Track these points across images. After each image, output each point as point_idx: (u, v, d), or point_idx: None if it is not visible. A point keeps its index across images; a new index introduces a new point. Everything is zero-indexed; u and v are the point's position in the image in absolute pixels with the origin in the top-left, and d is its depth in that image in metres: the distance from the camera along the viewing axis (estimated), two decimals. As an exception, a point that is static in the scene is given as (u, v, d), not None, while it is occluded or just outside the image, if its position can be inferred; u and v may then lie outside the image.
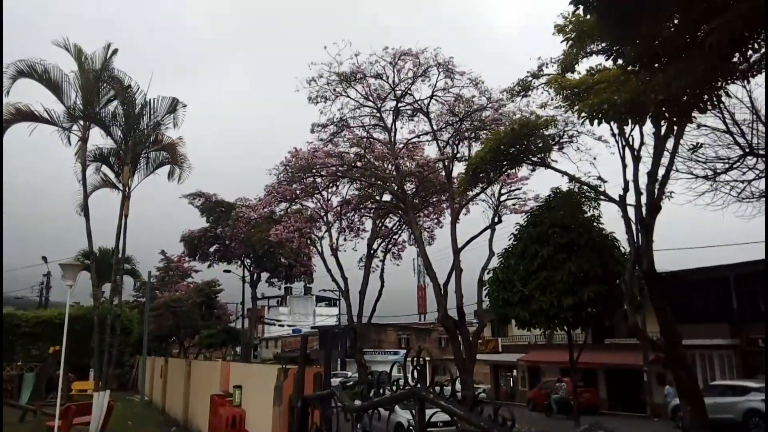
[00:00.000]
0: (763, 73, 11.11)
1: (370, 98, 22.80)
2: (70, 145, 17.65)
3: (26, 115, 17.18)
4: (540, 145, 18.34)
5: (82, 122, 17.47)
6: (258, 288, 43.98)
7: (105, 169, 19.40)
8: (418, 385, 3.79)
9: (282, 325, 69.05)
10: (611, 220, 20.07)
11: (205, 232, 40.24)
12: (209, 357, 55.24)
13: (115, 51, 17.76)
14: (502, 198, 25.01)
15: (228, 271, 42.56)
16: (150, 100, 17.93)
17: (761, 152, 13.50)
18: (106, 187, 19.09)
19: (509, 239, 22.03)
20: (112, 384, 16.92)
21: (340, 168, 25.04)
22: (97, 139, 18.44)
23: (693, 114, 11.73)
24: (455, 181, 23.36)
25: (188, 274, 47.52)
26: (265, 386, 10.59)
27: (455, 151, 23.82)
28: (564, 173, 18.86)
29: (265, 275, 42.90)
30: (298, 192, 26.65)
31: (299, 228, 26.82)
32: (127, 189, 17.37)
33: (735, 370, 26.24)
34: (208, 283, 45.89)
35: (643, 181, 15.25)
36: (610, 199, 17.75)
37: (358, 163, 25.17)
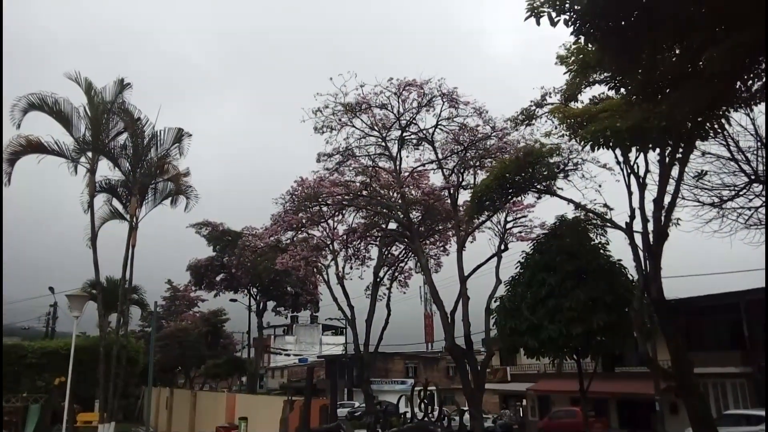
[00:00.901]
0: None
1: (376, 128, 23.00)
2: (76, 175, 17.90)
3: (36, 146, 17.48)
4: (545, 173, 18.38)
5: (91, 154, 17.74)
6: (264, 317, 43.86)
7: (113, 199, 19.64)
8: (426, 419, 3.75)
9: (288, 355, 68.56)
10: (618, 248, 19.97)
11: (211, 261, 40.32)
12: (215, 387, 54.82)
13: (128, 85, 18.16)
14: (508, 226, 24.93)
15: (234, 300, 42.49)
16: (158, 131, 18.27)
17: (764, 179, 13.48)
18: (114, 219, 19.29)
19: (516, 267, 21.92)
20: (117, 415, 16.80)
21: (345, 197, 25.12)
22: (105, 170, 18.71)
23: (696, 141, 11.78)
24: (461, 209, 23.38)
25: (194, 304, 47.50)
26: (271, 418, 10.49)
27: (460, 179, 23.89)
28: (569, 201, 18.85)
29: (271, 304, 42.81)
30: (304, 221, 26.70)
31: (305, 256, 26.80)
32: (134, 220, 17.54)
33: (748, 398, 25.75)
34: (215, 313, 45.82)
35: (649, 208, 15.23)
36: (617, 227, 17.70)
37: (364, 192, 25.25)
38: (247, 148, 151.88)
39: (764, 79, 9.93)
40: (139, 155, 18.54)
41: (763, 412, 21.88)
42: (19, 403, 22.21)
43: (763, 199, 13.84)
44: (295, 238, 28.02)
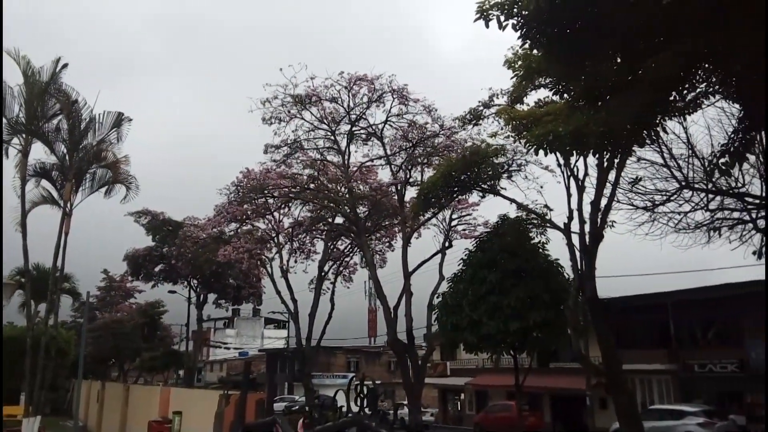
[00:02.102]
0: (700, 111, 11.80)
1: (325, 121, 22.88)
2: (7, 158, 16.99)
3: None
4: (490, 172, 18.77)
5: (24, 136, 16.87)
6: (204, 309, 42.91)
7: (46, 184, 18.74)
8: (361, 413, 3.76)
9: (228, 348, 67.40)
10: (557, 247, 20.67)
11: (150, 251, 39.11)
12: (150, 381, 53.31)
13: (65, 66, 17.34)
14: (453, 223, 25.38)
15: (173, 292, 41.39)
16: (96, 115, 17.54)
17: (698, 186, 14.20)
18: (46, 204, 18.41)
19: (459, 264, 22.35)
20: (44, 409, 16.09)
21: (292, 189, 24.89)
22: (40, 153, 17.83)
23: (633, 148, 12.29)
24: (407, 205, 23.58)
25: (131, 295, 46.01)
26: (206, 412, 10.29)
27: (408, 176, 24.09)
28: (512, 201, 19.33)
29: (212, 296, 41.94)
30: (249, 212, 26.28)
31: (249, 249, 26.39)
32: (68, 206, 16.80)
33: (672, 394, 27.13)
34: (152, 304, 44.52)
35: (586, 210, 15.83)
36: (556, 227, 18.29)
37: (311, 185, 25.09)
38: (191, 134, 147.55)
39: (699, 90, 10.46)
40: (76, 139, 17.75)
41: (684, 408, 23.15)
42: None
43: (692, 204, 14.60)
44: (239, 230, 27.55)
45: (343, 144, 23.68)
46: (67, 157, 17.83)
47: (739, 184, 13.75)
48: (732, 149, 10.98)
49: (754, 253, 13.77)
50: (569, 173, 16.83)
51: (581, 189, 16.47)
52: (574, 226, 16.54)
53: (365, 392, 3.65)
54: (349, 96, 21.97)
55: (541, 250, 20.94)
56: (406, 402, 24.37)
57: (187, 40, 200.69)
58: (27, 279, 16.92)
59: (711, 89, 10.23)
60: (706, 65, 9.40)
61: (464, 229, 25.64)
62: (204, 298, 41.66)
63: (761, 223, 13.74)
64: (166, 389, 17.80)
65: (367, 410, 3.63)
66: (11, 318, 34.67)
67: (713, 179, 13.57)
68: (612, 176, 14.81)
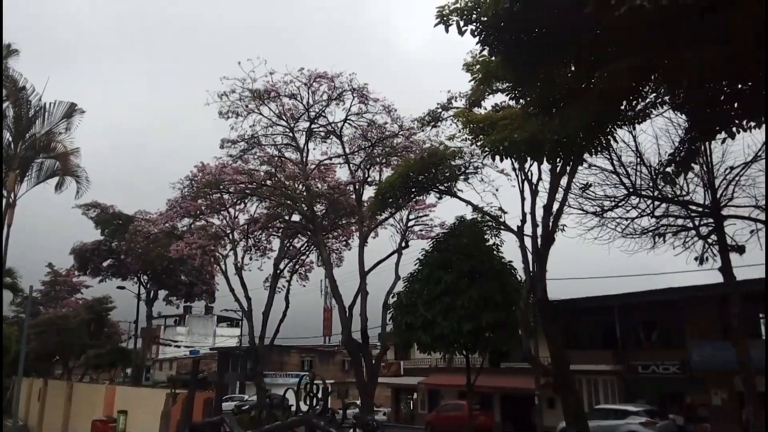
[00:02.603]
0: (648, 120, 12.22)
1: (284, 117, 22.65)
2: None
3: None
4: (447, 174, 18.97)
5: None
6: (154, 306, 41.86)
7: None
8: (310, 412, 3.75)
9: (179, 346, 65.92)
10: (510, 250, 21.07)
11: (98, 245, 37.89)
12: (96, 379, 51.67)
13: (14, 51, 16.62)
14: (410, 223, 25.54)
15: (122, 288, 40.19)
16: (46, 104, 16.86)
17: (645, 192, 14.73)
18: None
19: (415, 264, 22.50)
20: (-21, 408, 15.40)
21: (249, 186, 24.56)
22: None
23: (584, 154, 12.63)
24: (365, 204, 23.59)
25: (77, 290, 44.48)
26: (152, 411, 10.04)
27: (366, 176, 24.10)
28: (468, 203, 19.60)
29: (162, 293, 40.95)
30: (203, 208, 25.79)
31: (202, 245, 25.90)
32: (12, 196, 16.11)
33: (617, 394, 27.99)
34: (100, 300, 43.14)
35: (539, 214, 16.21)
36: (509, 230, 18.65)
37: (268, 182, 24.80)
38: (142, 125, 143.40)
39: (648, 100, 10.83)
40: (22, 128, 17.02)
41: (628, 407, 23.93)
42: None
43: (639, 210, 15.13)
44: (192, 226, 27.00)
45: (302, 141, 23.53)
46: (12, 146, 17.09)
47: (684, 193, 14.35)
48: (678, 158, 11.42)
49: (696, 258, 14.42)
50: (524, 177, 17.22)
51: (535, 193, 16.87)
52: (527, 229, 16.95)
53: (315, 391, 3.62)
54: (308, 93, 21.84)
55: (495, 252, 21.28)
56: (357, 402, 24.37)
57: (138, 28, 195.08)
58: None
59: (660, 100, 10.60)
60: (656, 77, 9.73)
61: (421, 230, 25.84)
62: (154, 294, 40.64)
63: (704, 230, 14.37)
64: (112, 388, 17.28)
65: (316, 409, 3.61)
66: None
67: (659, 187, 14.10)
68: (564, 181, 15.23)
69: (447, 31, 8.67)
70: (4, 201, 16.42)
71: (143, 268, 36.43)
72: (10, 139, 17.26)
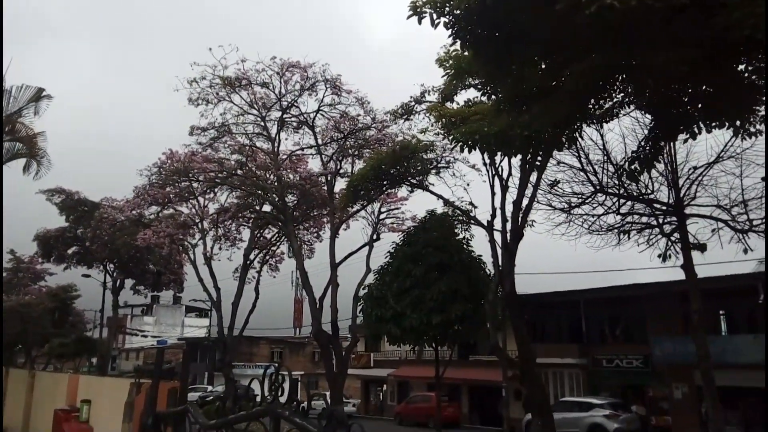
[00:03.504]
0: (616, 120, 12.46)
1: (255, 106, 22.40)
2: None
3: None
4: (419, 167, 19.04)
5: None
6: (121, 295, 41.12)
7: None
8: (275, 402, 3.76)
9: (146, 336, 64.94)
10: (479, 244, 21.30)
11: (63, 231, 37.02)
12: (60, 368, 50.63)
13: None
14: (382, 216, 25.56)
15: (87, 276, 39.37)
16: (12, 87, 16.32)
17: (611, 190, 15.02)
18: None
19: (386, 257, 22.58)
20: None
21: (219, 174, 24.27)
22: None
23: (553, 151, 12.84)
24: (336, 196, 23.53)
25: (41, 277, 43.38)
26: (116, 401, 9.91)
27: (338, 167, 24.02)
28: (439, 197, 19.70)
29: (129, 282, 40.27)
30: (171, 196, 25.40)
31: (171, 234, 25.54)
32: (-30, 180, 15.60)
33: (582, 387, 28.61)
34: (64, 288, 42.12)
35: (509, 209, 16.39)
36: (479, 224, 18.83)
37: (239, 171, 24.54)
38: (109, 111, 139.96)
39: (616, 100, 11.04)
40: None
41: (592, 400, 24.51)
42: None
43: (605, 207, 15.43)
44: (160, 214, 26.57)
45: (274, 131, 23.30)
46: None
47: (649, 191, 14.68)
48: (642, 157, 11.70)
49: (659, 255, 14.77)
50: (494, 172, 17.38)
51: (505, 188, 17.05)
52: (497, 223, 17.13)
53: (281, 382, 3.63)
54: (281, 82, 21.62)
55: (465, 246, 21.49)
56: (326, 393, 24.41)
57: (103, 8, 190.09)
58: None
59: (627, 100, 10.83)
60: (623, 77, 9.93)
61: (392, 223, 25.90)
62: (121, 283, 39.93)
63: (667, 228, 14.73)
64: (75, 377, 16.95)
65: (282, 400, 3.62)
66: None
67: (625, 185, 14.40)
68: (533, 178, 15.43)
69: (420, 23, 8.69)
70: None
71: (109, 256, 35.75)
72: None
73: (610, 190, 14.81)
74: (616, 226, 15.30)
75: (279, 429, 3.89)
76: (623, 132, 14.11)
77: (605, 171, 14.70)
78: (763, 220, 12.95)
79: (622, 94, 10.75)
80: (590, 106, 10.75)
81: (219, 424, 4.72)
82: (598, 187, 14.74)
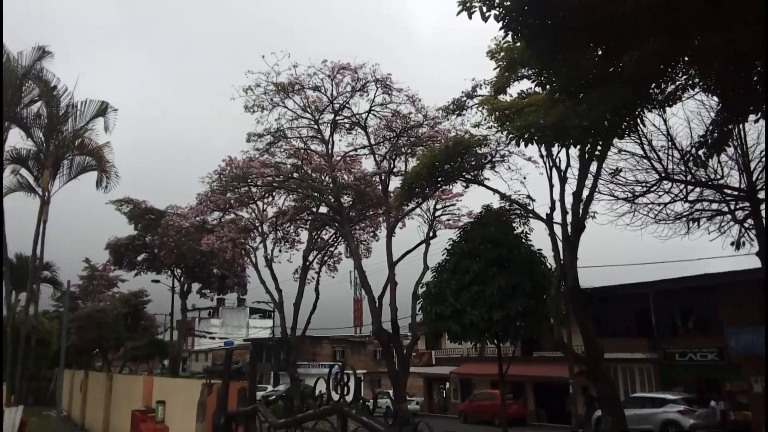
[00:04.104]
0: (680, 103, 11.94)
1: (308, 110, 22.77)
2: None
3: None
4: (473, 163, 18.84)
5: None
6: (188, 299, 42.64)
7: (23, 171, 18.44)
8: (341, 401, 3.81)
9: (213, 338, 67.15)
10: (539, 237, 20.84)
11: (132, 240, 38.72)
12: (135, 370, 53.07)
13: (48, 53, 17.04)
14: (437, 213, 25.46)
15: (156, 281, 41.05)
16: (77, 102, 17.26)
17: (677, 177, 14.41)
18: (22, 191, 18.14)
19: (443, 254, 22.44)
20: (26, 399, 16.00)
21: (276, 178, 24.80)
22: (16, 140, 17.52)
23: (613, 139, 12.41)
24: (391, 195, 23.60)
25: (114, 284, 45.60)
26: (189, 401, 10.30)
27: (392, 166, 24.09)
28: (495, 191, 19.44)
29: (196, 286, 41.71)
30: (232, 201, 26.15)
31: (233, 238, 26.28)
32: (46, 193, 16.57)
33: (654, 382, 27.59)
34: (135, 294, 44.17)
35: (568, 201, 15.97)
36: (538, 218, 18.44)
37: (295, 174, 25.01)
38: (170, 120, 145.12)
39: (678, 83, 10.58)
40: (54, 126, 17.47)
41: (665, 395, 23.59)
42: None
43: (672, 195, 14.82)
44: (222, 219, 27.41)
45: (327, 133, 23.62)
46: (44, 144, 17.57)
47: (718, 176, 14.00)
48: (710, 141, 11.15)
49: (732, 243, 14.05)
50: (551, 164, 16.95)
51: (563, 180, 16.61)
52: (557, 216, 16.71)
53: (346, 380, 3.68)
54: (332, 85, 21.90)
55: (523, 240, 21.08)
56: (390, 391, 24.52)
57: (161, 18, 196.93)
58: (6, 268, 16.69)
59: (690, 82, 10.35)
60: (685, 59, 9.49)
61: (448, 219, 25.75)
62: (188, 287, 41.41)
63: (740, 214, 14.00)
64: (149, 379, 17.72)
65: (347, 398, 3.66)
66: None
67: (692, 171, 13.77)
68: (594, 168, 14.97)
69: (470, 17, 8.58)
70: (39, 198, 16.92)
71: (176, 261, 37.13)
72: (43, 138, 17.72)
73: (676, 177, 14.22)
74: (685, 214, 14.67)
75: (346, 427, 3.93)
76: (688, 116, 13.55)
77: (670, 157, 14.13)
78: None
79: (685, 77, 10.29)
80: (651, 90, 10.34)
81: (288, 423, 4.81)
82: (663, 175, 14.18)
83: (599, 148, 13.75)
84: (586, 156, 14.62)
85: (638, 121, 11.37)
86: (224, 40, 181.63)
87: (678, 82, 10.48)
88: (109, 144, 19.69)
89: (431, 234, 25.06)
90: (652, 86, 10.31)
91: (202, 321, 76.58)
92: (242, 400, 7.29)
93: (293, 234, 28.50)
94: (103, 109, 18.66)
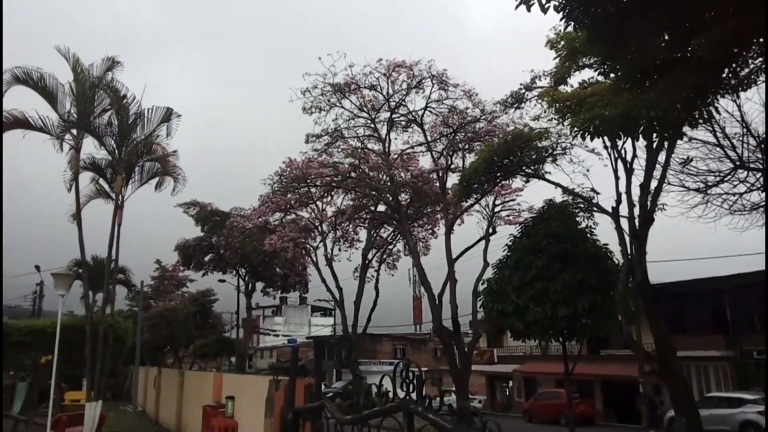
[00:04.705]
0: (754, 87, 11.27)
1: (365, 109, 22.91)
2: (62, 152, 17.68)
3: (21, 122, 17.21)
4: (533, 156, 18.46)
5: (75, 131, 17.49)
6: (253, 298, 43.80)
7: (98, 178, 19.39)
8: (407, 398, 3.81)
9: (277, 335, 68.82)
10: (604, 232, 20.20)
11: (199, 241, 40.12)
12: (204, 367, 55.01)
13: (118, 64, 17.84)
14: (497, 209, 25.06)
15: (223, 281, 42.41)
16: (144, 110, 17.96)
17: (753, 165, 13.62)
18: (99, 197, 19.08)
19: (503, 250, 22.08)
20: (105, 394, 16.85)
21: (334, 178, 25.09)
22: (90, 148, 18.41)
23: (683, 128, 11.85)
24: (449, 191, 23.43)
25: (183, 284, 47.35)
26: (257, 397, 10.57)
27: (449, 162, 23.91)
28: (557, 185, 18.98)
29: (260, 285, 42.77)
30: (292, 202, 26.65)
31: (294, 238, 26.78)
32: (120, 198, 17.36)
33: (730, 381, 26.26)
34: (203, 293, 45.74)
35: (635, 193, 15.40)
36: (603, 211, 17.86)
37: (353, 174, 25.22)
38: (229, 124, 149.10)
39: (753, 66, 9.99)
40: (125, 134, 18.30)
41: (743, 395, 22.37)
42: (6, 381, 22.17)
43: (748, 184, 14.00)
44: (283, 220, 27.98)
45: (384, 131, 23.69)
46: (116, 151, 18.41)
47: (799, 163, 13.13)
48: (790, 126, 10.47)
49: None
50: (617, 156, 16.37)
51: (629, 171, 16.01)
52: (623, 209, 16.15)
53: (411, 378, 3.67)
54: (388, 83, 21.93)
55: (588, 235, 20.47)
56: (453, 389, 24.34)
57: (218, 26, 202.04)
58: (84, 270, 17.62)
59: (766, 65, 9.75)
60: (761, 39, 8.94)
61: (508, 215, 25.31)
62: (252, 286, 42.52)
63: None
64: (219, 375, 18.33)
65: (413, 395, 3.65)
66: (72, 308, 36.36)
67: (770, 158, 12.98)
68: (662, 157, 14.35)
69: (529, 10, 8.37)
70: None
71: (241, 261, 38.21)
72: (115, 145, 18.57)
73: (752, 165, 13.42)
74: (762, 204, 13.83)
75: (413, 425, 3.92)
76: (764, 100, 12.73)
77: (745, 144, 13.36)
78: None
79: (760, 59, 9.70)
80: (724, 75, 9.81)
81: (355, 420, 4.85)
82: (738, 163, 13.41)
83: (668, 137, 13.19)
84: (654, 146, 14.05)
85: (710, 107, 10.82)
86: (282, 45, 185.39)
87: (753, 65, 9.90)
88: (176, 152, 20.47)
89: (491, 230, 24.71)
90: (725, 70, 9.78)
91: (266, 319, 78.59)
92: (308, 396, 7.42)
93: (352, 233, 28.77)
94: (167, 116, 19.36)
